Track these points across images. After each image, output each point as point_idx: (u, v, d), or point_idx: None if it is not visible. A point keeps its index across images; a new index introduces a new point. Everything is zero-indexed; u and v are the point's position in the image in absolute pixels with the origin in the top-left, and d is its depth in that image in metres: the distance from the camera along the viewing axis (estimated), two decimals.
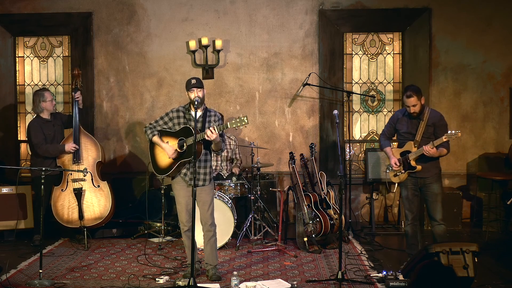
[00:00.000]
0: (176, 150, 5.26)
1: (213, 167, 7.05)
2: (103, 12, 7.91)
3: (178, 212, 5.40)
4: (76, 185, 6.59)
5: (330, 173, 7.62)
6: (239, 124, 5.01)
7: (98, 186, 6.66)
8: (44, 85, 8.19)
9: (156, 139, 5.34)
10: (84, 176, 6.48)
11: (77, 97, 6.74)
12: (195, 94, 5.20)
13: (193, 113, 5.24)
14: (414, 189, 5.57)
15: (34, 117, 6.93)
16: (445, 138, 5.25)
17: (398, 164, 5.56)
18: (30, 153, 7.32)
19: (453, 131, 5.24)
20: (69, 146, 6.60)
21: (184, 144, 5.20)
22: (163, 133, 5.38)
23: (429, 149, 5.32)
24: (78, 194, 6.55)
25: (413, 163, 5.47)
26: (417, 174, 5.51)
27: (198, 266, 5.48)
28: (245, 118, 5.00)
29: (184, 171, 5.31)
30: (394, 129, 5.73)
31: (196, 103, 5.16)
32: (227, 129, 5.24)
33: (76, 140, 6.64)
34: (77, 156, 6.62)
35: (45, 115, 6.76)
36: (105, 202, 6.65)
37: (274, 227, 6.93)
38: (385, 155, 7.38)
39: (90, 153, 6.72)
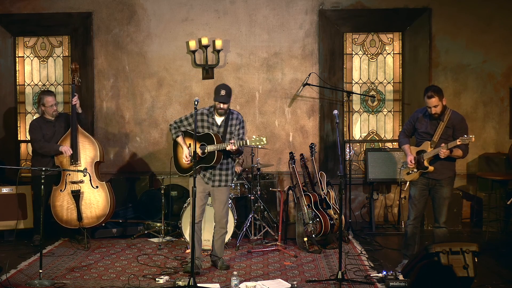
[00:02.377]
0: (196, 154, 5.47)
1: None
2: (103, 12, 7.91)
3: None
4: (74, 187, 6.56)
5: (330, 173, 7.62)
6: (258, 143, 5.31)
7: (97, 187, 6.63)
8: (44, 85, 8.20)
9: (180, 140, 5.64)
10: (84, 176, 6.46)
11: (74, 102, 6.65)
12: (220, 106, 5.49)
13: (216, 118, 5.55)
14: (424, 189, 5.54)
15: (38, 116, 6.93)
16: (459, 141, 5.21)
17: (413, 161, 5.52)
18: (30, 153, 7.32)
19: (467, 135, 5.22)
20: (64, 148, 6.57)
21: (206, 150, 5.43)
22: (186, 134, 5.63)
23: (444, 151, 5.28)
24: (76, 196, 6.53)
25: (426, 163, 5.43)
26: (429, 175, 5.47)
27: (198, 262, 5.51)
28: (264, 139, 5.30)
29: (204, 172, 5.57)
30: (413, 127, 5.67)
31: (209, 106, 5.53)
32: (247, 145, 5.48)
33: (72, 143, 6.60)
34: (74, 157, 6.59)
35: (48, 116, 6.76)
36: (103, 203, 6.62)
37: (274, 227, 6.93)
38: (387, 156, 7.47)
39: (88, 153, 6.69)
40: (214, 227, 5.71)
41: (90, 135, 6.82)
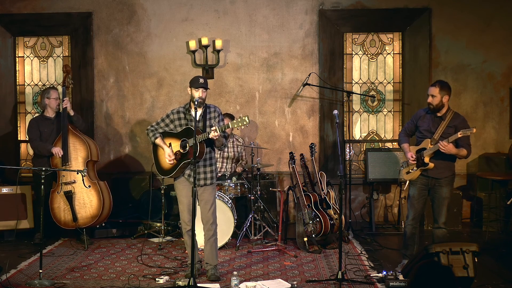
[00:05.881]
0: (177, 152, 5.29)
1: (218, 168, 7.10)
2: (103, 12, 7.91)
3: (180, 211, 5.41)
4: (67, 188, 6.57)
5: (330, 173, 7.62)
6: (240, 124, 5.06)
7: (89, 186, 6.61)
8: (44, 85, 8.20)
9: (158, 141, 5.38)
10: (84, 176, 6.46)
11: (65, 105, 6.66)
12: (199, 94, 5.23)
13: (193, 112, 5.26)
14: (423, 189, 5.53)
15: (38, 115, 7.01)
16: (460, 134, 5.21)
17: (414, 157, 5.50)
18: (31, 153, 7.36)
19: (467, 128, 5.23)
20: (55, 149, 6.59)
21: (187, 144, 5.22)
22: (165, 134, 5.41)
23: (445, 143, 5.26)
24: (69, 197, 6.54)
25: (426, 159, 5.42)
26: (429, 173, 5.45)
27: (198, 266, 5.48)
28: (246, 117, 5.04)
29: (188, 172, 5.32)
30: (415, 126, 5.66)
31: (196, 102, 5.19)
32: (229, 128, 5.27)
33: (63, 143, 6.60)
34: (64, 158, 6.59)
35: (48, 113, 6.80)
36: (97, 201, 6.59)
37: (274, 227, 6.93)
38: (387, 156, 7.47)
39: (79, 153, 6.66)
40: (203, 229, 5.45)
41: (82, 135, 6.77)
